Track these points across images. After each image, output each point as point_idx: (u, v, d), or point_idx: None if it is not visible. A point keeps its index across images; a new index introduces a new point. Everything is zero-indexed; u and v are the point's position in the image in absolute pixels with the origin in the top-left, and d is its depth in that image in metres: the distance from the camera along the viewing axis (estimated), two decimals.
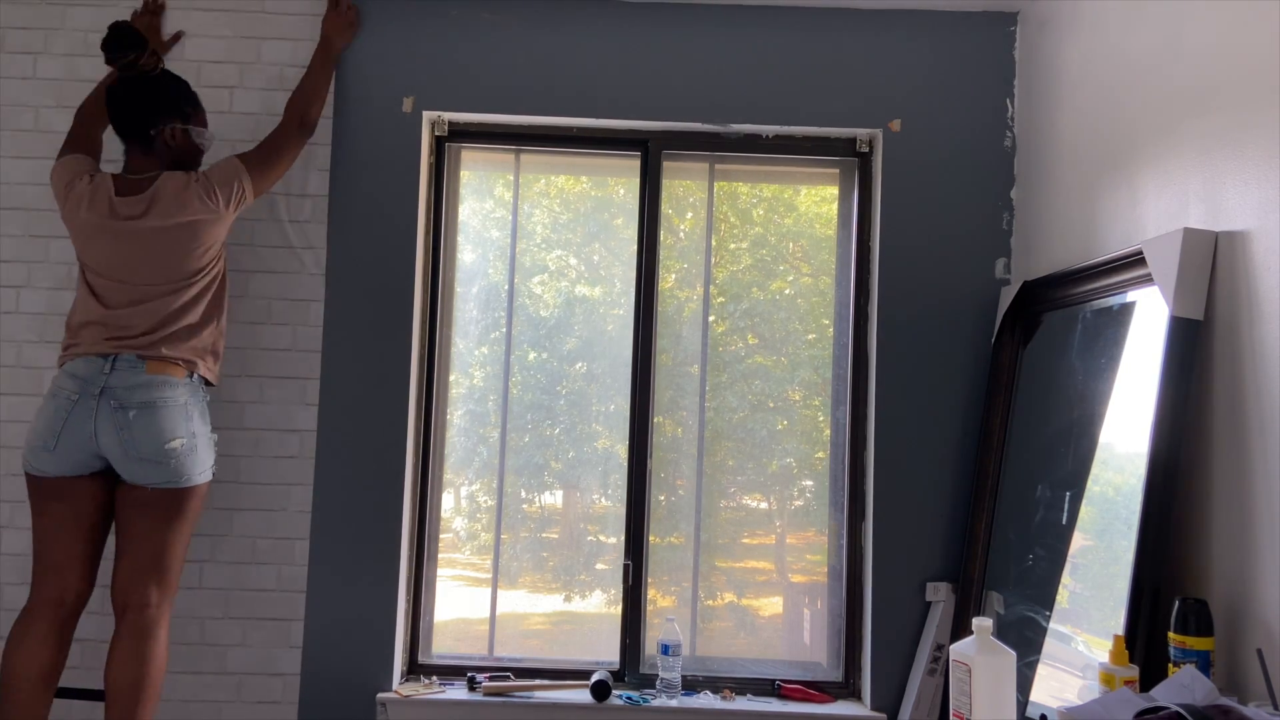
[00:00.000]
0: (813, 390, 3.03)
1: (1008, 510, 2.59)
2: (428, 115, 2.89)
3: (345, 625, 2.75)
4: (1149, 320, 2.08)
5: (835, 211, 3.04)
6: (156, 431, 2.29)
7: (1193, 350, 1.95)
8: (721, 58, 2.89)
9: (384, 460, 2.80)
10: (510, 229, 3.05)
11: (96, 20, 2.84)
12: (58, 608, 2.31)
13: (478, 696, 2.73)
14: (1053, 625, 2.24)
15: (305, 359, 2.81)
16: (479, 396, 3.03)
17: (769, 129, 2.94)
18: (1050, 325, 2.57)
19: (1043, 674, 2.23)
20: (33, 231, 2.80)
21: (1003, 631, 2.33)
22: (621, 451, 2.96)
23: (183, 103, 2.51)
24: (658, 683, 2.78)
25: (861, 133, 2.94)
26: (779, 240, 3.11)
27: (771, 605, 3.03)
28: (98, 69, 2.82)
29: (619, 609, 2.91)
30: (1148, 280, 2.06)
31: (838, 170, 3.04)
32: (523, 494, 3.05)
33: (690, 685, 2.83)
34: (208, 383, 2.48)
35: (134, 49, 2.42)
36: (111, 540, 2.39)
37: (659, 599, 2.95)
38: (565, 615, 3.01)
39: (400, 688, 2.75)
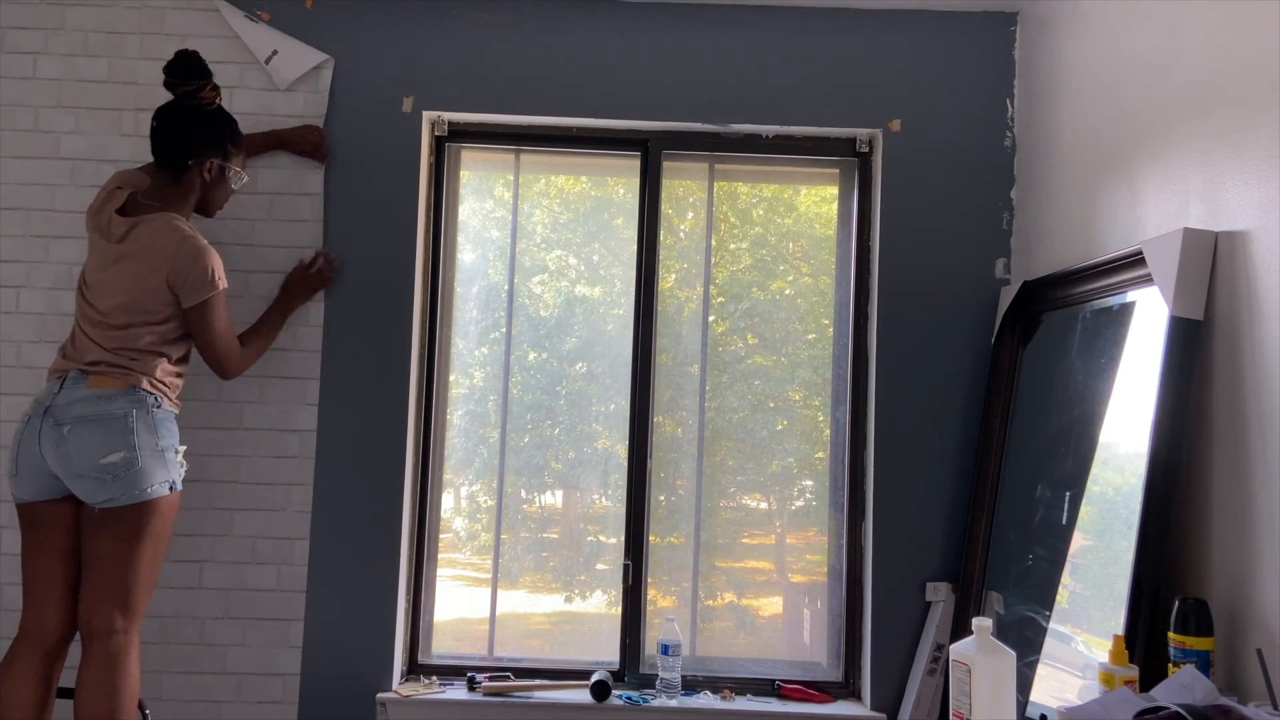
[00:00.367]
0: (813, 390, 3.03)
1: (1008, 510, 2.59)
2: (428, 115, 2.89)
3: (345, 625, 2.75)
4: (1149, 320, 2.08)
5: (835, 211, 3.04)
6: (90, 446, 2.21)
7: (1193, 350, 1.95)
8: (721, 58, 2.89)
9: (384, 460, 2.80)
10: (510, 229, 3.05)
11: (97, 20, 2.84)
12: (41, 642, 2.26)
13: (478, 696, 2.73)
14: (1053, 625, 2.24)
15: (305, 359, 2.81)
16: (479, 397, 3.03)
17: (769, 129, 2.94)
18: (1050, 325, 2.57)
19: (1043, 674, 2.23)
20: (33, 231, 2.80)
21: (1003, 631, 2.33)
22: (621, 451, 2.96)
23: (228, 141, 2.48)
24: (658, 683, 2.78)
25: (861, 133, 2.94)
26: (779, 240, 3.11)
27: (771, 605, 3.03)
28: (97, 69, 2.84)
29: (619, 609, 2.91)
30: (1148, 280, 2.06)
31: (837, 170, 3.04)
32: (523, 494, 3.05)
33: (690, 685, 2.83)
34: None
35: (199, 78, 2.42)
36: None
37: (659, 599, 2.95)
38: (565, 615, 3.01)
39: (400, 688, 2.75)
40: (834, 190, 3.06)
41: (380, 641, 2.76)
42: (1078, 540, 2.22)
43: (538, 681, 2.79)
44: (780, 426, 3.02)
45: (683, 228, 3.06)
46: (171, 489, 2.30)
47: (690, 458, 2.98)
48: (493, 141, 3.01)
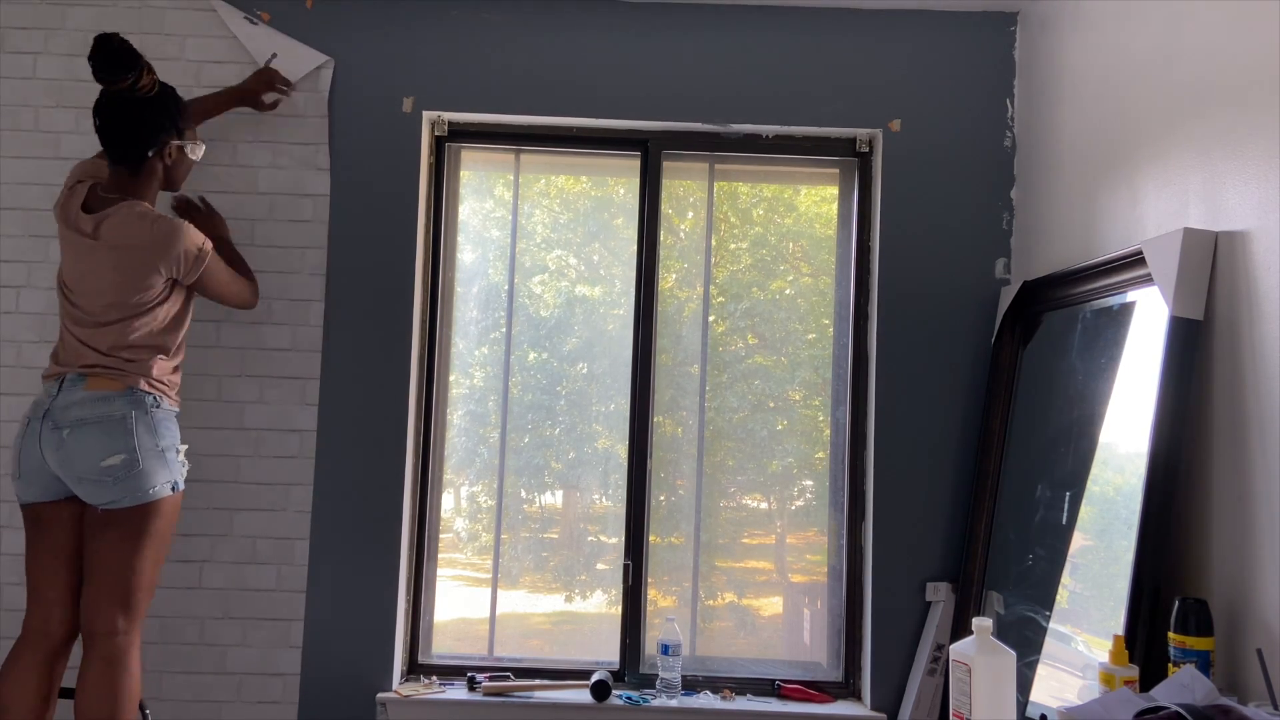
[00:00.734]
0: (813, 390, 3.03)
1: (1008, 510, 2.59)
2: (428, 115, 2.89)
3: (345, 625, 2.75)
4: (1149, 320, 2.08)
5: (835, 211, 3.04)
6: (89, 449, 2.20)
7: (1193, 350, 1.95)
8: (721, 58, 2.89)
9: (384, 460, 2.80)
10: (510, 229, 3.04)
11: (96, 20, 2.84)
12: (43, 640, 2.26)
13: (478, 696, 2.73)
14: (1053, 625, 2.24)
15: (305, 359, 2.81)
16: (479, 397, 3.03)
17: (769, 129, 2.94)
18: (1050, 325, 2.57)
19: (1043, 674, 2.23)
20: (33, 231, 2.80)
21: (1003, 631, 2.33)
22: (622, 451, 2.96)
23: (176, 116, 2.39)
24: (658, 683, 2.78)
25: (861, 133, 2.94)
26: (779, 240, 3.11)
27: (771, 605, 3.03)
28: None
29: (619, 609, 2.91)
30: (1148, 280, 2.06)
31: (837, 170, 3.04)
32: (523, 494, 3.04)
33: (690, 685, 2.83)
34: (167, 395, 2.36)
35: (129, 69, 2.28)
36: None
37: (659, 599, 2.95)
38: (565, 615, 3.01)
39: (400, 688, 2.75)
40: (834, 190, 3.06)
41: (380, 641, 2.76)
42: (1078, 540, 2.22)
43: (538, 681, 2.79)
44: (780, 426, 3.02)
45: (683, 228, 3.06)
46: (174, 489, 2.29)
47: (690, 458, 2.98)
48: (493, 141, 3.01)
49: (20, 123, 2.83)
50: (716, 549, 2.98)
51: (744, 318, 3.05)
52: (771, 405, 3.02)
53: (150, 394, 2.29)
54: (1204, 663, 1.73)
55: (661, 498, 2.97)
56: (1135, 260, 2.13)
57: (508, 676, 2.81)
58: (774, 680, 2.85)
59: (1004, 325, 2.72)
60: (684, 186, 3.05)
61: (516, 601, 2.99)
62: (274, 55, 2.81)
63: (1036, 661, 2.25)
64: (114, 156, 2.38)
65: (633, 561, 2.90)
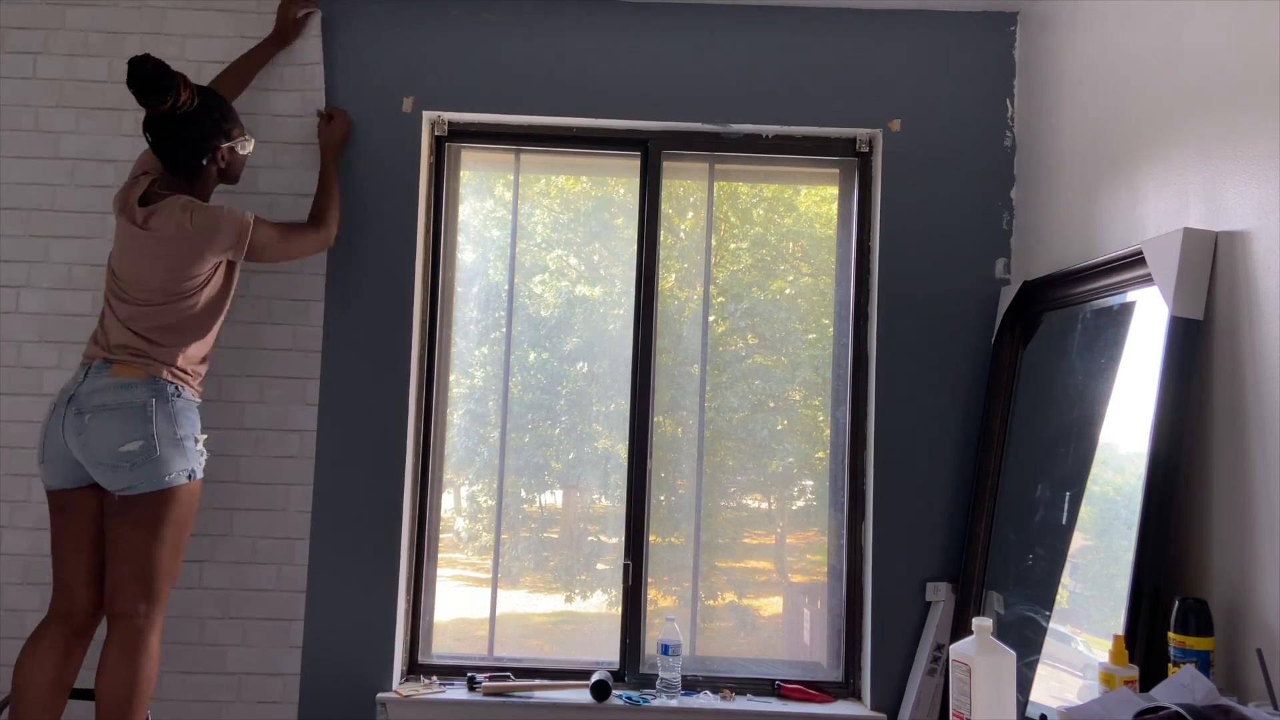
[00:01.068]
0: (813, 390, 3.03)
1: (1008, 510, 2.59)
2: (428, 115, 2.89)
3: (345, 625, 2.75)
4: (1149, 320, 2.08)
5: (835, 211, 3.04)
6: (109, 435, 2.25)
7: (1193, 350, 1.95)
8: (721, 58, 2.89)
9: (384, 460, 2.80)
10: (510, 229, 3.05)
11: (96, 20, 2.84)
12: (66, 621, 2.33)
13: (478, 696, 2.73)
14: (1053, 625, 2.24)
15: (305, 359, 2.81)
16: (479, 396, 3.03)
17: (769, 129, 2.94)
18: (1050, 325, 2.57)
19: (1043, 674, 2.23)
20: (33, 231, 2.80)
21: (1003, 631, 2.33)
22: (622, 451, 2.96)
23: (221, 120, 2.45)
24: (658, 683, 2.78)
25: (861, 133, 2.94)
26: (779, 240, 3.11)
27: (771, 605, 3.03)
28: (97, 69, 2.84)
29: (619, 609, 2.91)
30: (1148, 280, 2.06)
31: (837, 170, 3.04)
32: (523, 494, 3.05)
33: (690, 685, 2.83)
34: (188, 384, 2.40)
35: (166, 91, 2.32)
36: None
37: (659, 599, 2.95)
38: (565, 615, 3.01)
39: (400, 688, 2.75)
40: (834, 190, 3.06)
41: (380, 641, 2.76)
42: (1078, 540, 2.22)
43: (538, 681, 2.79)
44: (780, 426, 3.02)
45: (683, 227, 3.06)
46: (190, 477, 2.33)
47: (690, 457, 2.98)
48: (493, 141, 3.01)
49: (20, 123, 2.83)
50: (716, 549, 2.98)
51: (744, 318, 3.05)
52: (771, 405, 3.02)
53: (172, 383, 2.34)
54: (1204, 663, 1.73)
55: (661, 498, 2.97)
56: (1135, 260, 2.13)
57: (508, 676, 2.81)
58: (774, 680, 2.85)
59: (1004, 325, 2.73)
60: (684, 186, 3.05)
61: (516, 601, 2.99)
62: None
63: (1036, 661, 2.25)
64: (169, 168, 2.46)
65: (633, 561, 2.90)
